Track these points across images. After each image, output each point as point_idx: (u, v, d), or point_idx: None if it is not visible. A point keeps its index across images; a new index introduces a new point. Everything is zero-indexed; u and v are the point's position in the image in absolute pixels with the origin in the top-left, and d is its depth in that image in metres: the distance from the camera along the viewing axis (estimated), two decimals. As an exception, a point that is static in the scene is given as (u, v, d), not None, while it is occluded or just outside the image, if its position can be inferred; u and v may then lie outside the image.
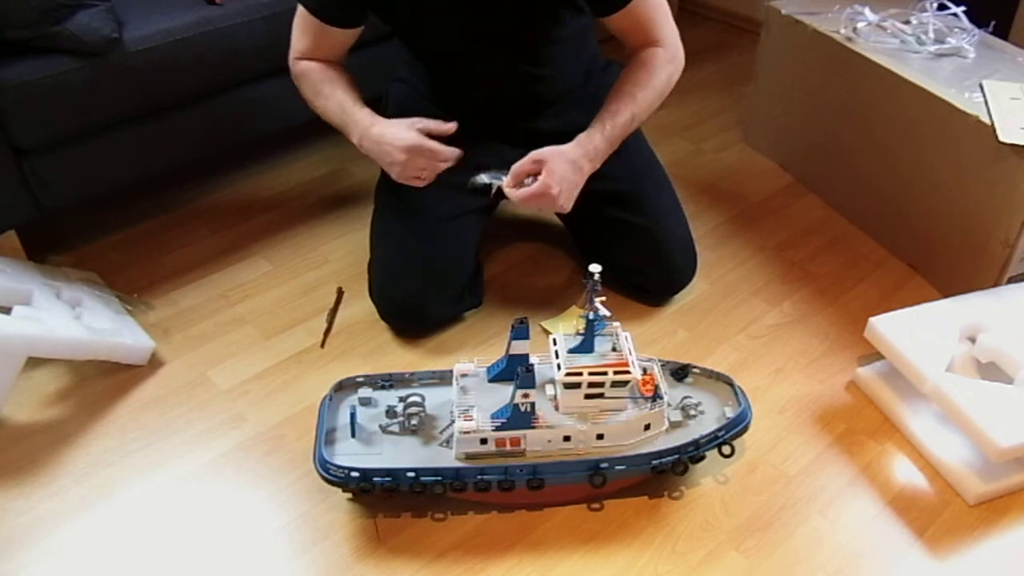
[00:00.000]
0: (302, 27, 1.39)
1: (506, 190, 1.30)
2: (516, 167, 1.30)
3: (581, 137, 1.33)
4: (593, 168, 1.34)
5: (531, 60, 1.43)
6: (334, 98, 1.37)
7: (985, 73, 1.53)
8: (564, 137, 1.33)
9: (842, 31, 1.67)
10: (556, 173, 1.28)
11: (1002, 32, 1.76)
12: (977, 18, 1.67)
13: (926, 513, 1.20)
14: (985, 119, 1.40)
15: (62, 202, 1.57)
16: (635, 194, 1.48)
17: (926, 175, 1.55)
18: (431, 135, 1.31)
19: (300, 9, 1.37)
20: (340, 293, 1.58)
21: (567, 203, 1.32)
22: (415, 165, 1.30)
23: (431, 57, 1.47)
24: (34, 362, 1.37)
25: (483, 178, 1.32)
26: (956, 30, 1.66)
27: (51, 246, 1.67)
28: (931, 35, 1.64)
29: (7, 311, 1.30)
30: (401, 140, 1.29)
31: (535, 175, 1.29)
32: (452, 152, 1.31)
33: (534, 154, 1.29)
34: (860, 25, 1.68)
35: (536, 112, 1.49)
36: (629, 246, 1.49)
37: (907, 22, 1.69)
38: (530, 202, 1.30)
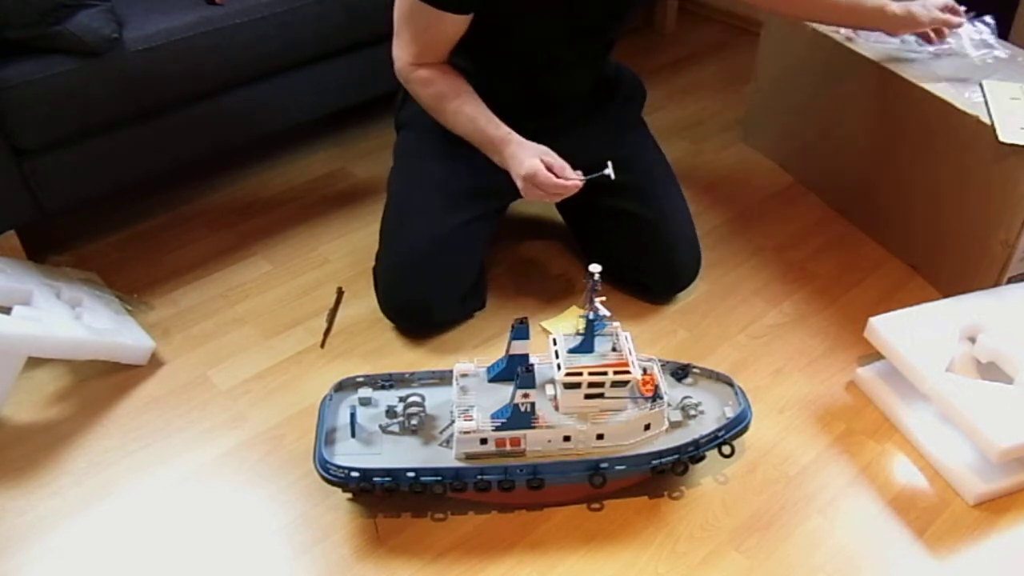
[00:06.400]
0: (409, 27, 1.32)
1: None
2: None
3: None
4: None
5: (601, 54, 1.47)
6: (463, 113, 1.35)
7: (985, 73, 1.53)
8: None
9: (842, 31, 1.67)
10: None
11: (1002, 32, 1.75)
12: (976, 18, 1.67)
13: (926, 513, 1.20)
14: (985, 119, 1.40)
15: (62, 202, 1.57)
16: (640, 185, 1.49)
17: (926, 175, 1.55)
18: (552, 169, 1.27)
19: (406, 7, 1.30)
20: (340, 293, 1.58)
21: None
22: (534, 193, 1.29)
23: (505, 53, 1.41)
24: (34, 362, 1.37)
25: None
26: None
27: (51, 246, 1.67)
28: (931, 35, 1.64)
29: (7, 311, 1.30)
30: (525, 168, 1.26)
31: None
32: (573, 185, 1.27)
33: None
34: (860, 25, 1.68)
35: (578, 102, 1.52)
36: (632, 239, 1.49)
37: (907, 22, 1.69)
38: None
